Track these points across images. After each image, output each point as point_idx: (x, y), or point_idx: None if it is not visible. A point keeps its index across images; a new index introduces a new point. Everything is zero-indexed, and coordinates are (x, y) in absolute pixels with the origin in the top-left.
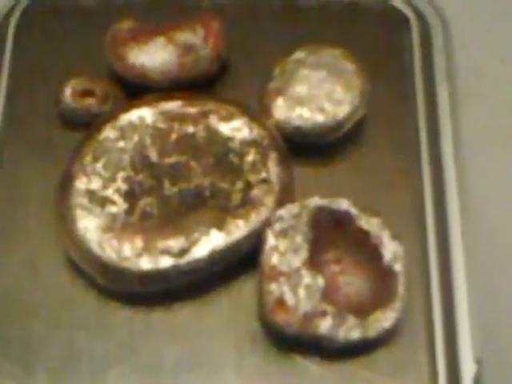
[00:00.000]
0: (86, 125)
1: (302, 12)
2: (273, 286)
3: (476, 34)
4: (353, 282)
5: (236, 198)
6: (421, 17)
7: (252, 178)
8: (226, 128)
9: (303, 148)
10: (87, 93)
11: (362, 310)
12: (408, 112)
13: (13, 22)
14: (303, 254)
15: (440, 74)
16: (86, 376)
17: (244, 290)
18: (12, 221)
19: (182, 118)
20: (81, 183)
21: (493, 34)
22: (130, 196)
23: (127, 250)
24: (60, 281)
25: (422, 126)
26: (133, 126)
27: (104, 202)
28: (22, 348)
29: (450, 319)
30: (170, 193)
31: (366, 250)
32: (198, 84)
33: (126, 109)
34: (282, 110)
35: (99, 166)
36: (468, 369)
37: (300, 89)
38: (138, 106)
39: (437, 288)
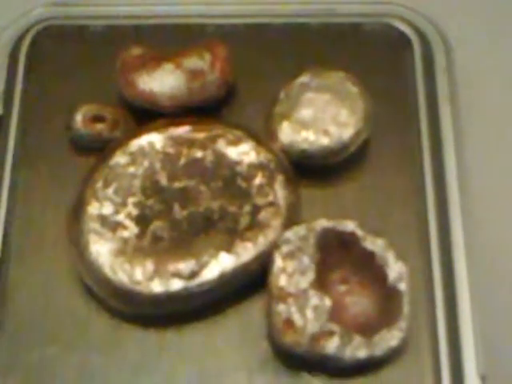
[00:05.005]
0: (97, 150)
1: (306, 35)
2: (281, 307)
3: (478, 54)
4: (359, 302)
5: (244, 220)
6: (423, 38)
7: (259, 201)
8: (233, 152)
9: (309, 170)
10: (98, 119)
11: (369, 330)
12: (411, 133)
13: (23, 50)
14: (310, 275)
15: (443, 95)
16: None
17: (253, 310)
18: (26, 246)
19: (190, 143)
20: (93, 208)
21: (495, 53)
22: (141, 220)
23: (139, 273)
24: (73, 304)
25: (425, 146)
26: (143, 152)
27: (116, 226)
28: (37, 371)
29: (454, 336)
30: (179, 216)
31: (371, 270)
32: (205, 108)
33: (136, 134)
34: (287, 134)
35: (110, 191)
36: None
37: (305, 112)
38: (147, 131)
39: (441, 306)
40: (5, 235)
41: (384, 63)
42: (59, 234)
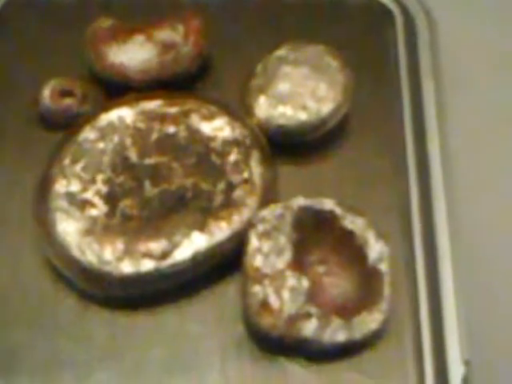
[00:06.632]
0: (66, 126)
1: (285, 8)
2: (257, 289)
3: (461, 27)
4: (338, 283)
5: (218, 199)
6: (405, 10)
7: (234, 178)
8: (207, 127)
9: (287, 146)
10: (66, 93)
11: (348, 312)
12: (393, 108)
13: None
14: (287, 255)
15: (425, 69)
16: (68, 381)
17: (228, 292)
18: None
19: (162, 118)
20: (60, 186)
21: (478, 27)
22: (111, 198)
23: (108, 253)
24: (40, 285)
25: (407, 122)
26: (112, 127)
27: (84, 204)
28: (3, 354)
29: (437, 320)
30: (151, 194)
31: (351, 250)
32: (178, 82)
33: (106, 109)
34: (264, 109)
35: (79, 167)
36: (456, 370)
37: (282, 86)
38: (117, 105)
39: (424, 288)
40: None
41: (366, 37)
42: (25, 212)
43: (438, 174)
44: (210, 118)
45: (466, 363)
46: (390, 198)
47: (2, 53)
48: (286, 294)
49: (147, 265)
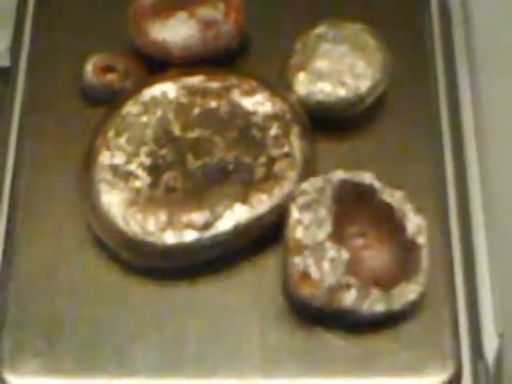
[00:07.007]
0: (108, 101)
1: None
2: (297, 260)
3: (495, 6)
4: (376, 256)
5: (259, 172)
6: None
7: (275, 152)
8: (248, 102)
9: (325, 122)
10: (109, 69)
11: (386, 283)
12: (428, 85)
13: None
14: (327, 227)
15: (460, 47)
16: (110, 351)
17: (268, 264)
18: (36, 198)
19: (204, 93)
20: (104, 158)
21: None
22: (154, 170)
23: (151, 224)
24: (84, 256)
25: (442, 99)
26: (155, 101)
27: (128, 176)
28: (47, 325)
29: (472, 293)
30: (193, 167)
31: (389, 223)
32: (219, 59)
33: (149, 84)
34: (303, 85)
35: (122, 140)
36: (490, 343)
37: (321, 63)
38: (160, 80)
39: (459, 261)
40: (14, 187)
41: (400, 16)
42: (69, 185)
43: (473, 148)
44: (250, 93)
45: (500, 336)
46: (427, 173)
47: (44, 29)
48: (326, 265)
49: (190, 235)
